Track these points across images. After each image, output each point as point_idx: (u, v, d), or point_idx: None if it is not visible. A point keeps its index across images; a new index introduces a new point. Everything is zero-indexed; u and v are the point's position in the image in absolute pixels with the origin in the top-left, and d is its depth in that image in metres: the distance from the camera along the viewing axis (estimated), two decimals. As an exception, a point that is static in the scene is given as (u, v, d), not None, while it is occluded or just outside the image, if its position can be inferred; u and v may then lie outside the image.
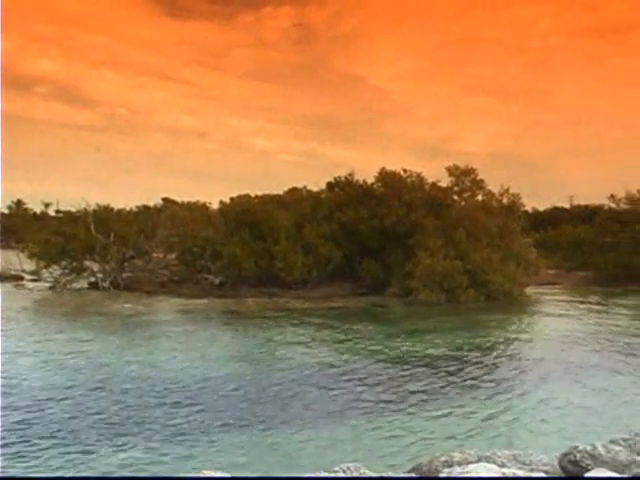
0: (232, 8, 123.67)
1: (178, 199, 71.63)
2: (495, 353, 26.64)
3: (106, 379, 20.46)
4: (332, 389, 20.26)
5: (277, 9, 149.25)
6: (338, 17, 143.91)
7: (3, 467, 13.49)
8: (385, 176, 47.85)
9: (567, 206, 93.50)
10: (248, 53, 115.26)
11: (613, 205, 60.36)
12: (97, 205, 50.66)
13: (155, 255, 47.92)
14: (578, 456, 7.54)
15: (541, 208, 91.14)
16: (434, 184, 47.56)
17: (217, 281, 44.65)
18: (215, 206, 55.87)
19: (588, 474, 6.91)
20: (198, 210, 57.55)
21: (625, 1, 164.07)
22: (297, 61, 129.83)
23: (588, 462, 7.41)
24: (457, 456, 8.13)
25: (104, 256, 45.80)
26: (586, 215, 70.09)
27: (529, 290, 45.65)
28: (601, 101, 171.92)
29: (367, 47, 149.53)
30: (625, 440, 8.22)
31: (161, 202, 69.71)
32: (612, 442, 8.11)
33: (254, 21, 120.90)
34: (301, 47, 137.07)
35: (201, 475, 7.01)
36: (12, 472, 13.33)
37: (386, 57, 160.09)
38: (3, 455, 14.05)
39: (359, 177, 50.05)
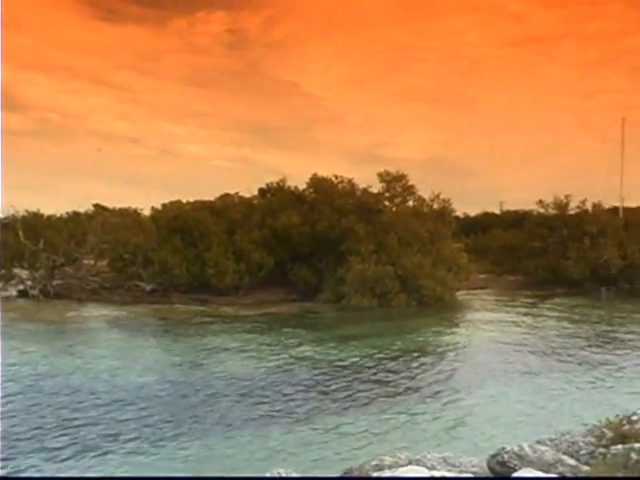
0: (165, 12, 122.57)
1: (110, 205, 70.62)
2: (426, 358, 26.78)
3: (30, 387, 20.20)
4: (262, 395, 20.23)
5: (210, 14, 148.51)
6: (272, 23, 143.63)
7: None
8: (317, 182, 47.87)
9: (497, 211, 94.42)
10: (181, 58, 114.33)
11: (542, 210, 61.10)
12: (26, 211, 49.90)
13: (86, 262, 47.22)
14: (506, 457, 7.61)
15: (472, 213, 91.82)
16: (365, 190, 47.72)
17: (149, 288, 44.25)
18: (147, 212, 55.36)
19: (515, 474, 6.97)
20: (130, 216, 56.87)
21: (551, 12, 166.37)
22: (230, 67, 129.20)
23: (515, 462, 7.49)
24: (388, 459, 8.14)
25: (33, 263, 45.04)
26: (516, 220, 70.76)
27: (460, 295, 46.04)
28: (530, 109, 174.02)
29: (301, 53, 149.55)
30: (551, 440, 8.33)
31: (92, 208, 68.72)
32: (539, 442, 8.20)
33: (187, 26, 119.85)
34: (235, 52, 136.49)
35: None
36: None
37: (320, 64, 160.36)
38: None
39: (292, 183, 50.13)
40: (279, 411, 18.62)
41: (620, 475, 6.62)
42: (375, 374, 23.53)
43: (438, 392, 20.99)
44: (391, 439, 15.96)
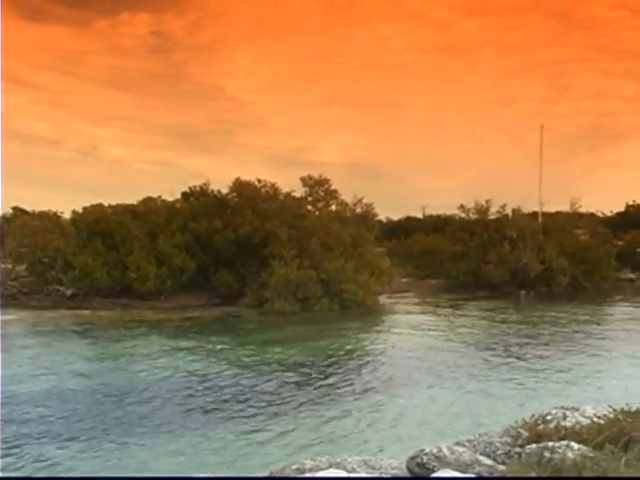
0: (88, 13, 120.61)
1: (29, 208, 69.44)
2: (347, 362, 26.91)
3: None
4: (180, 400, 20.18)
5: (134, 16, 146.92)
6: (197, 26, 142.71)
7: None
8: (240, 186, 47.77)
9: (420, 216, 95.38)
10: (104, 60, 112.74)
11: (463, 215, 61.87)
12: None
13: (4, 266, 46.42)
14: (424, 458, 7.66)
15: (395, 217, 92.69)
16: (288, 194, 47.81)
17: (69, 292, 43.60)
18: (68, 216, 54.54)
19: (433, 475, 7.05)
20: (50, 220, 55.90)
21: (473, 21, 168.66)
22: (155, 69, 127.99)
23: (434, 464, 7.55)
24: (309, 463, 8.13)
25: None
26: (438, 224, 71.47)
27: (383, 298, 46.29)
28: (452, 115, 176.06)
29: (226, 57, 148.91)
30: (469, 441, 8.41)
31: (11, 211, 67.49)
32: (457, 444, 8.28)
33: (110, 27, 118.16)
34: (159, 55, 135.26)
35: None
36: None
37: (245, 68, 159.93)
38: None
39: (216, 187, 49.85)
40: (197, 416, 18.54)
41: (534, 473, 6.74)
42: (296, 378, 23.57)
43: (359, 396, 21.11)
44: (311, 443, 16.01)
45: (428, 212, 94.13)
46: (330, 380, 23.32)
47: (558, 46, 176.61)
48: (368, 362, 27.08)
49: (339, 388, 22.16)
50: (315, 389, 22.00)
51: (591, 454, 6.93)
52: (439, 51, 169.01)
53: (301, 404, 20.11)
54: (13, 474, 14.03)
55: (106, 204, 50.23)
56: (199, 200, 49.11)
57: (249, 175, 49.23)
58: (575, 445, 7.25)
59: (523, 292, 52.98)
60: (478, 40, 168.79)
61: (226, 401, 20.34)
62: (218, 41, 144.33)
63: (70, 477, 13.85)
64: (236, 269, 44.21)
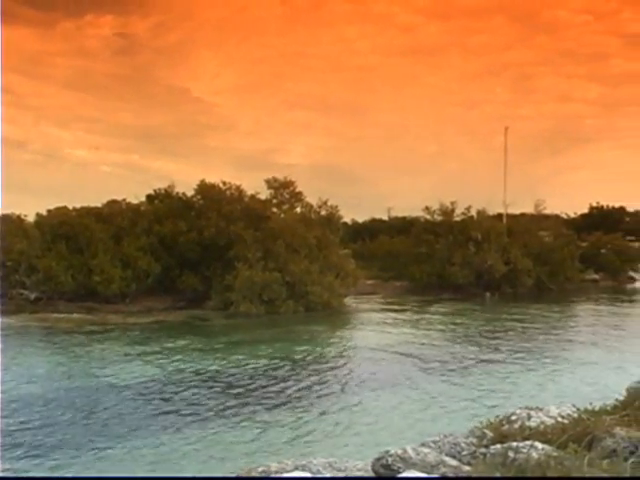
0: (53, 14, 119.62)
1: (-8, 211, 68.77)
2: (312, 365, 26.90)
3: None
4: (145, 404, 20.05)
5: (99, 17, 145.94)
6: (163, 28, 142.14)
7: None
8: (204, 188, 47.61)
9: (385, 218, 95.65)
10: (69, 62, 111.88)
11: (428, 217, 62.04)
12: None
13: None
14: (390, 460, 7.64)
15: (360, 219, 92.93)
16: (253, 196, 47.73)
17: (32, 296, 43.15)
18: (31, 219, 54.03)
19: (399, 476, 7.03)
20: (13, 223, 55.42)
21: (437, 24, 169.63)
22: (120, 71, 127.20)
23: (399, 465, 7.53)
24: (274, 466, 8.10)
25: None
26: (403, 226, 71.68)
27: (348, 300, 46.32)
28: (417, 117, 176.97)
29: (192, 59, 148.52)
30: (435, 442, 8.40)
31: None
32: (422, 445, 8.27)
33: (75, 29, 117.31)
34: (124, 57, 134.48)
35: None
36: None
37: (211, 70, 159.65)
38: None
39: (181, 189, 49.64)
40: (161, 420, 18.44)
41: (498, 473, 6.74)
42: (262, 381, 23.52)
43: (324, 398, 21.09)
44: (278, 445, 15.97)
45: (393, 214, 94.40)
46: (295, 383, 23.26)
47: (522, 49, 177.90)
48: (332, 365, 27.07)
49: (304, 390, 22.12)
50: (279, 392, 21.95)
51: (555, 453, 6.94)
52: (404, 54, 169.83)
53: (265, 406, 20.05)
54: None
55: (70, 207, 49.88)
56: (164, 202, 48.89)
57: (215, 177, 49.31)
58: (539, 445, 7.26)
59: (488, 293, 53.24)
60: (443, 43, 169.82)
61: (195, 406, 20.24)
62: (184, 43, 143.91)
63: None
64: (201, 272, 44.03)
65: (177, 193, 49.57)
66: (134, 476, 13.77)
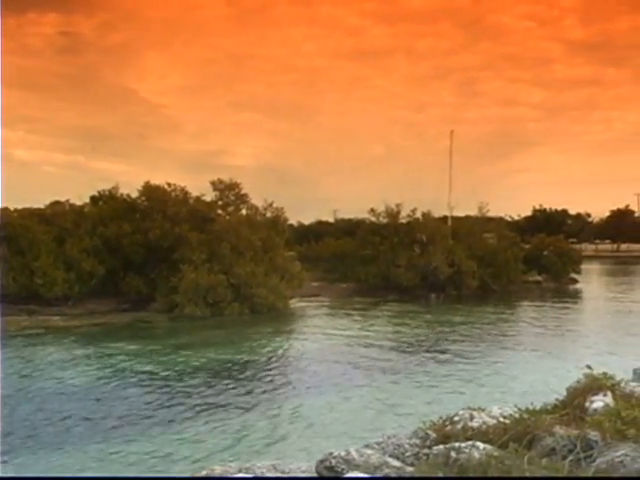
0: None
1: None
2: (257, 367, 26.89)
3: None
4: (85, 408, 19.90)
5: (42, 15, 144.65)
6: (108, 28, 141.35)
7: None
8: (149, 190, 47.31)
9: (331, 220, 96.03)
10: (10, 59, 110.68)
11: (374, 219, 62.32)
12: None
13: None
14: (333, 462, 7.68)
15: (306, 222, 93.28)
16: (198, 198, 47.56)
17: (-28, 299, 42.58)
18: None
19: (342, 476, 7.07)
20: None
21: (385, 28, 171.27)
22: (64, 71, 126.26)
23: (343, 467, 7.57)
24: (218, 469, 8.10)
25: None
26: (349, 228, 72.05)
27: (293, 302, 46.34)
28: (363, 120, 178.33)
29: (138, 60, 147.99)
30: (378, 444, 8.45)
31: None
32: (366, 446, 8.31)
33: (17, 27, 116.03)
34: (69, 57, 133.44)
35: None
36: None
37: (157, 70, 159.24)
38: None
39: (127, 191, 49.29)
40: (100, 425, 18.28)
41: (441, 474, 6.80)
42: (205, 384, 23.44)
43: (268, 400, 21.08)
44: (221, 449, 15.93)
45: (339, 216, 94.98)
46: (238, 385, 23.22)
47: (468, 53, 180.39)
48: (276, 367, 27.06)
49: (248, 393, 22.08)
50: (223, 395, 21.88)
51: (496, 453, 7.02)
52: (351, 57, 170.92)
53: (208, 409, 19.98)
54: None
55: (12, 208, 49.34)
56: (108, 204, 48.53)
57: (161, 179, 49.05)
58: (481, 445, 7.34)
59: (433, 295, 53.58)
60: (390, 46, 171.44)
61: (137, 409, 20.11)
62: (130, 43, 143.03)
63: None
64: (146, 274, 43.75)
65: (122, 195, 49.26)
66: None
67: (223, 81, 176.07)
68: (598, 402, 8.77)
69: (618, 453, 6.77)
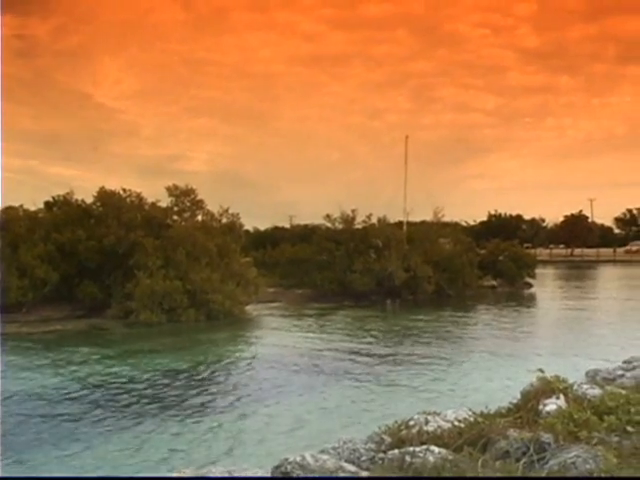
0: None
1: None
2: (212, 373, 26.80)
3: None
4: (35, 415, 19.67)
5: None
6: (63, 31, 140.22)
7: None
8: (104, 195, 46.99)
9: (287, 225, 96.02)
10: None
11: (329, 224, 62.45)
12: None
13: None
14: (289, 467, 7.72)
15: (262, 227, 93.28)
16: (154, 204, 47.33)
17: None
18: None
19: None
20: None
21: (341, 34, 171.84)
22: (18, 74, 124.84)
23: (298, 472, 7.61)
24: (174, 475, 8.12)
25: None
26: (305, 234, 72.09)
27: (249, 308, 46.22)
28: (320, 126, 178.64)
29: (93, 64, 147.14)
30: (334, 449, 8.51)
31: None
32: (322, 451, 8.35)
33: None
34: (23, 59, 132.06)
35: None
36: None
37: (113, 75, 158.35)
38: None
39: (82, 196, 48.90)
40: (49, 434, 18.07)
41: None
42: (159, 390, 23.31)
43: (223, 406, 21.00)
44: (175, 455, 15.84)
45: (295, 222, 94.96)
46: (193, 392, 23.13)
47: (423, 60, 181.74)
48: (231, 373, 26.98)
49: (202, 399, 22.00)
50: (177, 401, 21.78)
51: (451, 457, 7.08)
52: (308, 63, 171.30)
53: (162, 415, 19.89)
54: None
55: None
56: (62, 210, 48.14)
57: (116, 184, 48.78)
58: (436, 449, 7.39)
59: (389, 300, 53.71)
60: (346, 53, 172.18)
61: (90, 416, 19.96)
62: (85, 47, 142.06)
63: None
64: (101, 280, 43.42)
65: (76, 200, 48.83)
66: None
67: (179, 86, 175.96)
68: (551, 405, 8.88)
69: (570, 455, 6.86)
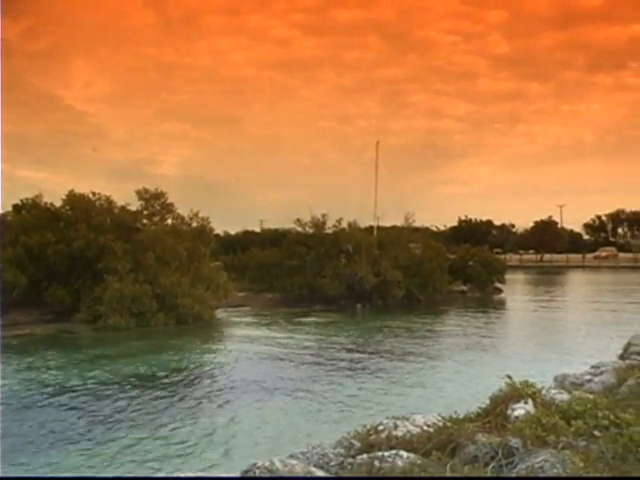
0: None
1: None
2: (181, 376, 26.70)
3: None
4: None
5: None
6: (35, 33, 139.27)
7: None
8: (74, 199, 46.70)
9: (258, 230, 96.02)
10: None
11: (300, 229, 62.40)
12: None
13: None
14: (257, 472, 7.70)
15: (232, 231, 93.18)
16: (123, 207, 47.10)
17: None
18: None
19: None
20: None
21: (312, 39, 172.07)
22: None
23: (267, 477, 7.58)
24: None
25: None
26: (275, 238, 72.08)
27: (219, 313, 46.10)
28: (291, 130, 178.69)
29: (64, 66, 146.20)
30: (303, 453, 8.49)
31: None
32: (291, 456, 8.34)
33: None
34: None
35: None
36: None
37: (83, 78, 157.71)
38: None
39: (51, 200, 48.58)
40: (15, 441, 17.90)
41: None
42: (128, 395, 23.19)
43: (192, 411, 20.93)
44: (144, 462, 15.75)
45: (266, 226, 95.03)
46: (162, 396, 23.03)
47: (394, 66, 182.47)
48: (201, 376, 26.93)
49: (171, 404, 21.91)
50: (146, 405, 21.69)
51: (419, 461, 7.08)
52: (279, 67, 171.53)
53: (131, 419, 19.79)
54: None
55: None
56: (31, 213, 47.81)
57: (86, 188, 48.43)
58: (404, 453, 7.40)
59: (359, 305, 53.73)
60: (318, 58, 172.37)
61: (56, 422, 19.82)
62: (55, 49, 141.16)
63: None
64: (70, 284, 43.13)
65: (45, 203, 48.51)
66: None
67: (150, 90, 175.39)
68: (520, 410, 8.92)
69: (538, 459, 6.88)
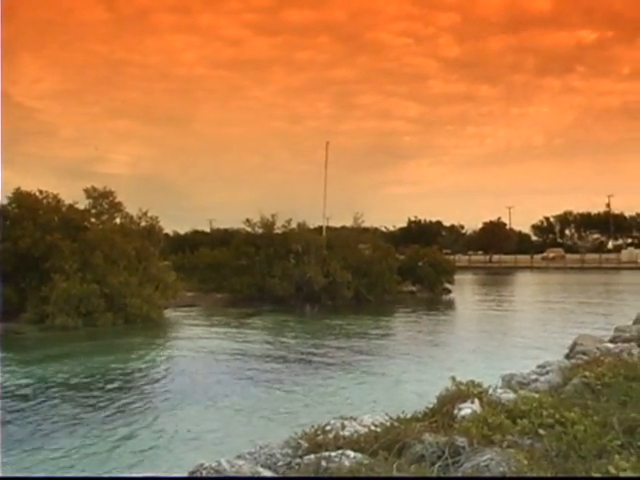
0: None
1: None
2: (128, 377, 26.52)
3: None
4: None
5: None
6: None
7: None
8: (20, 197, 46.08)
9: (207, 229, 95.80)
10: None
11: (249, 229, 62.36)
12: None
13: None
14: (204, 473, 7.69)
15: (182, 231, 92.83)
16: (71, 206, 46.61)
17: None
18: None
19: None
20: None
21: (264, 39, 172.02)
22: None
23: (214, 478, 7.56)
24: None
25: None
26: (224, 238, 72.05)
27: (168, 312, 45.90)
28: (241, 130, 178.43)
29: (11, 62, 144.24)
30: (251, 454, 8.49)
31: None
32: (238, 457, 8.32)
33: None
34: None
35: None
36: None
37: (31, 74, 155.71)
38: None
39: (-1, 198, 47.91)
40: None
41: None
42: (71, 396, 22.98)
43: (136, 412, 20.76)
44: (88, 463, 15.58)
45: (215, 226, 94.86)
46: (107, 397, 22.84)
47: (345, 67, 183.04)
48: (148, 377, 26.75)
49: (116, 405, 21.74)
50: (92, 406, 21.50)
51: (366, 461, 7.10)
52: (230, 67, 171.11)
53: (80, 421, 19.61)
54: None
55: None
56: (-24, 211, 47.18)
57: (33, 186, 47.77)
58: (351, 453, 7.41)
59: (308, 305, 53.79)
60: (268, 58, 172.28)
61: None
62: (4, 45, 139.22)
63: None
64: (16, 283, 42.60)
65: (-9, 201, 47.88)
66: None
67: (100, 87, 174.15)
68: (466, 409, 8.98)
69: (484, 458, 6.93)
